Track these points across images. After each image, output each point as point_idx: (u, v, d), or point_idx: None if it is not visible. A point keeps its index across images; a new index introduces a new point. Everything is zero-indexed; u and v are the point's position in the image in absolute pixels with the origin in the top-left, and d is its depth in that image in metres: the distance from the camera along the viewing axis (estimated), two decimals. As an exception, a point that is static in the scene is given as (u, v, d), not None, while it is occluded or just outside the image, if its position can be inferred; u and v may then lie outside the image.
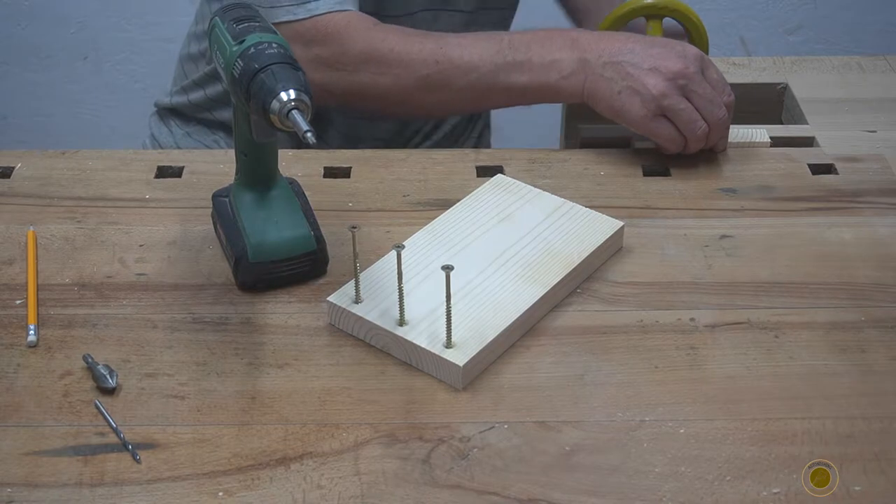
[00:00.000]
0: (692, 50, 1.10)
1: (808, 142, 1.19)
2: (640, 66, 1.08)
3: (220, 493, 0.78)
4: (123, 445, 0.82)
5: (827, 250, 1.02)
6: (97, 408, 0.85)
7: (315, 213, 1.00)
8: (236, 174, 0.99)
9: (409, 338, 0.88)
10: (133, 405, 0.86)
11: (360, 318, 0.91)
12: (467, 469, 0.80)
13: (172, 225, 1.05)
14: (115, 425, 0.83)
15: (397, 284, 0.88)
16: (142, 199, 1.09)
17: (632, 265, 1.00)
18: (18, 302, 0.95)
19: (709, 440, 0.82)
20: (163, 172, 1.13)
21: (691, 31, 1.27)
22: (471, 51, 1.14)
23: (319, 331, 0.93)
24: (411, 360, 0.89)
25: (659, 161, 1.14)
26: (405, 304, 0.89)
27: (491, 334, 0.89)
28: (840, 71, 1.32)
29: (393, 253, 0.94)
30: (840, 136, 1.19)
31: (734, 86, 1.13)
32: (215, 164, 1.13)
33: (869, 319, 0.93)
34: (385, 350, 0.90)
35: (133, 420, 0.84)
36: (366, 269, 0.95)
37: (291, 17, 1.15)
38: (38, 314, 0.94)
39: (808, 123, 1.21)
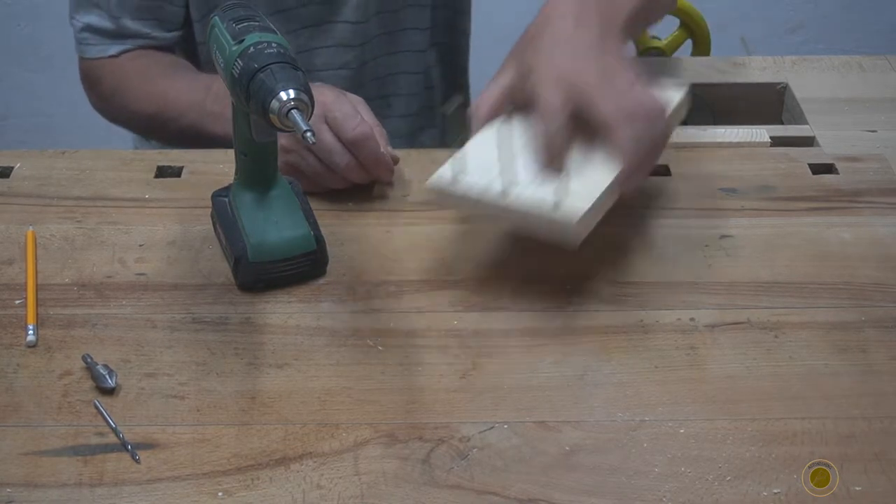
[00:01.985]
0: (320, 98, 0.96)
1: (808, 142, 1.19)
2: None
3: (220, 494, 0.78)
4: (123, 445, 0.82)
5: (827, 250, 1.02)
6: (97, 408, 0.85)
7: (315, 213, 1.00)
8: (236, 174, 0.99)
9: (517, 205, 0.90)
10: (133, 405, 0.86)
11: (465, 194, 0.92)
12: (467, 469, 0.80)
13: (172, 225, 1.05)
14: (114, 425, 0.83)
15: (498, 155, 0.91)
16: (142, 199, 1.09)
17: (632, 265, 1.00)
18: (18, 302, 0.95)
19: (709, 440, 0.82)
20: (163, 172, 1.13)
21: (694, 31, 1.27)
22: (179, 96, 1.23)
23: (319, 331, 0.93)
24: (521, 227, 0.92)
25: (659, 161, 1.14)
26: (505, 175, 0.91)
27: (596, 192, 0.91)
28: (840, 71, 1.32)
29: (483, 133, 0.97)
30: (840, 136, 1.19)
31: (735, 85, 1.12)
32: (215, 164, 1.13)
33: (869, 319, 0.93)
34: (492, 222, 0.96)
35: (133, 420, 0.84)
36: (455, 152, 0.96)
37: (76, 50, 1.32)
38: (37, 314, 0.94)
39: (808, 123, 1.21)
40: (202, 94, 1.20)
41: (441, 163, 1.14)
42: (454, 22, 1.40)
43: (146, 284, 0.97)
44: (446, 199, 0.94)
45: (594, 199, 0.90)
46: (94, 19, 1.29)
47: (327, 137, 1.02)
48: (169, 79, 1.27)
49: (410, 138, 1.40)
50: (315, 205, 1.01)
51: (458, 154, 0.94)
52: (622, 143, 0.91)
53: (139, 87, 1.28)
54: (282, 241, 0.96)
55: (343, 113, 1.02)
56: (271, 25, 0.91)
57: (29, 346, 0.91)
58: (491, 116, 0.98)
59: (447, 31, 1.39)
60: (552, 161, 0.92)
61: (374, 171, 1.06)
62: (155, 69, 1.29)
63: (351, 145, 1.03)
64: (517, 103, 0.98)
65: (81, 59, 1.33)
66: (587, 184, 0.92)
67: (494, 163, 0.92)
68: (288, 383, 0.88)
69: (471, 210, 0.94)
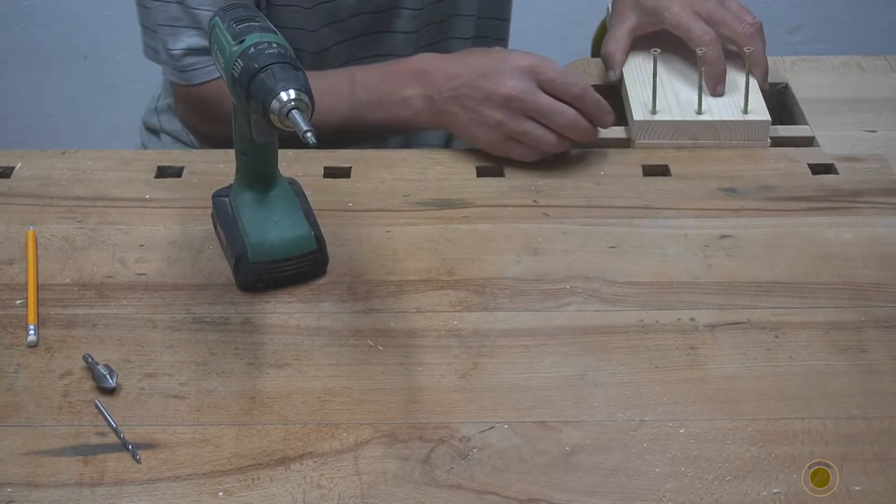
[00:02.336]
0: (524, 62, 1.09)
1: (808, 142, 1.19)
2: (474, 97, 1.10)
3: (220, 493, 0.78)
4: (123, 445, 0.82)
5: (827, 250, 1.02)
6: (97, 408, 0.85)
7: (315, 213, 1.00)
8: (236, 174, 0.99)
9: (716, 117, 1.14)
10: (133, 405, 0.86)
11: (668, 119, 1.14)
12: (467, 469, 0.80)
13: (172, 225, 1.05)
14: (115, 425, 0.83)
15: (698, 80, 1.14)
16: (142, 199, 1.09)
17: (632, 265, 1.00)
18: (18, 302, 0.95)
19: (709, 440, 0.82)
20: (163, 172, 1.13)
21: None
22: (323, 96, 1.16)
23: (319, 331, 0.93)
24: (719, 136, 1.14)
25: (659, 161, 1.14)
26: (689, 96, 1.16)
27: (756, 93, 1.15)
28: (840, 71, 1.32)
29: (631, 73, 1.22)
30: (840, 136, 1.19)
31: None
32: (215, 164, 1.13)
33: (869, 319, 0.93)
34: (692, 139, 1.14)
35: (133, 420, 0.84)
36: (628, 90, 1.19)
37: (175, 80, 1.22)
38: (38, 314, 0.94)
39: (807, 123, 1.21)
40: (347, 88, 1.18)
41: (441, 162, 1.14)
42: (495, 31, 1.40)
43: (146, 284, 0.98)
44: (649, 130, 1.15)
45: (761, 97, 1.16)
46: (195, 41, 1.20)
47: (545, 100, 1.08)
48: None
49: (447, 140, 1.40)
50: (315, 205, 1.01)
51: (630, 95, 1.18)
52: (760, 49, 1.18)
53: None
54: (282, 241, 0.96)
55: (556, 72, 1.09)
56: (272, 26, 0.91)
57: (29, 346, 0.91)
58: (625, 56, 1.24)
59: (487, 42, 1.39)
60: (722, 78, 1.17)
61: (600, 119, 1.11)
62: None
63: (576, 99, 1.09)
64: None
65: (187, 87, 1.22)
66: (741, 89, 1.16)
67: (674, 94, 1.17)
68: (288, 383, 0.88)
69: (672, 135, 1.15)
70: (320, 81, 1.17)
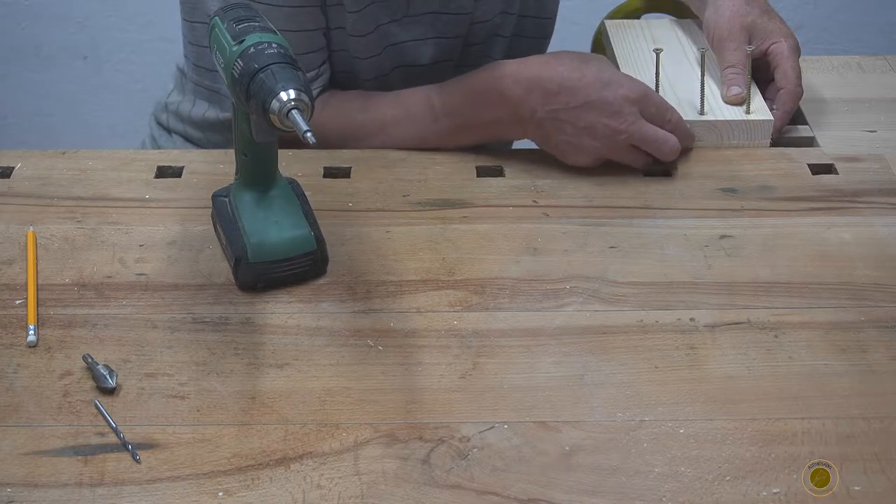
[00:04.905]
0: (630, 94, 1.08)
1: (808, 142, 1.19)
2: (576, 125, 1.09)
3: (220, 493, 0.78)
4: (123, 445, 0.82)
5: (827, 250, 1.02)
6: (97, 408, 0.85)
7: (315, 213, 1.00)
8: (236, 174, 0.99)
9: (718, 118, 1.15)
10: (133, 405, 0.86)
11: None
12: (467, 469, 0.80)
13: (172, 225, 1.05)
14: (114, 425, 0.83)
15: (700, 80, 1.14)
16: (142, 199, 1.09)
17: (632, 265, 1.00)
18: (18, 302, 0.95)
19: (709, 440, 0.82)
20: (163, 172, 1.13)
21: None
22: (406, 126, 1.16)
23: (319, 331, 0.93)
24: (722, 136, 1.15)
25: (659, 161, 1.14)
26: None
27: (760, 100, 1.16)
28: (840, 71, 1.32)
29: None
30: (840, 136, 1.19)
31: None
32: (215, 164, 1.13)
33: (869, 319, 0.93)
34: (694, 141, 1.14)
35: (133, 420, 0.84)
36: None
37: None
38: (37, 314, 0.94)
39: (807, 123, 1.21)
40: (428, 114, 1.15)
41: (441, 162, 1.14)
42: (536, 30, 1.38)
43: (146, 284, 0.98)
44: None
45: (764, 104, 1.17)
46: None
47: (651, 130, 1.10)
48: (369, 112, 1.19)
49: None
50: (315, 205, 1.01)
51: None
52: (795, 70, 1.18)
53: (340, 132, 1.18)
54: (282, 241, 0.96)
55: (657, 105, 1.11)
56: (271, 26, 0.91)
57: (29, 346, 0.91)
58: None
59: (525, 41, 1.37)
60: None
61: (686, 143, 1.14)
62: (349, 106, 1.21)
63: (671, 125, 1.12)
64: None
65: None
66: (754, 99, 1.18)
67: (667, 93, 1.17)
68: (288, 383, 0.88)
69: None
70: (396, 109, 1.17)
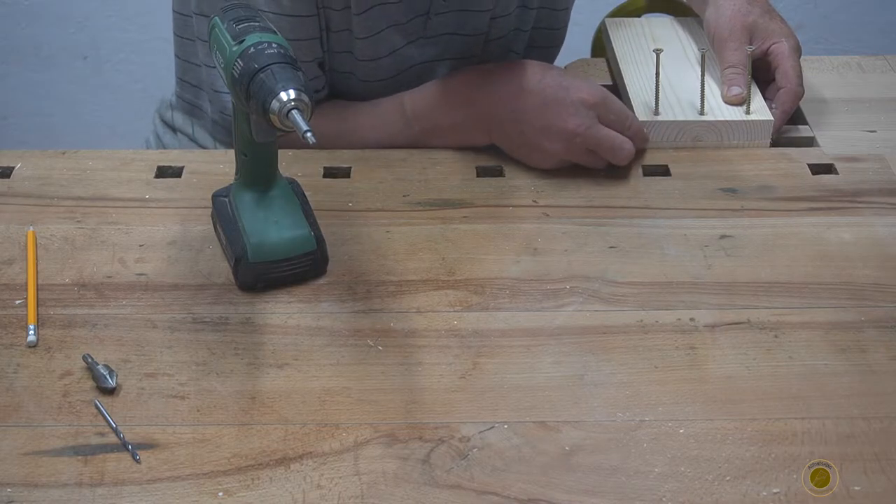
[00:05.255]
0: (588, 98, 1.10)
1: (808, 142, 1.19)
2: (535, 125, 1.10)
3: (220, 493, 0.78)
4: (123, 445, 0.82)
5: (827, 250, 1.02)
6: (97, 408, 0.85)
7: (315, 213, 1.00)
8: (236, 174, 0.99)
9: (718, 118, 1.14)
10: (133, 405, 0.86)
11: (671, 120, 1.14)
12: (467, 469, 0.80)
13: (172, 225, 1.05)
14: (114, 425, 0.83)
15: (700, 81, 1.14)
16: (142, 199, 1.09)
17: (632, 265, 1.00)
18: (18, 302, 0.95)
19: (709, 440, 0.82)
20: (163, 172, 1.13)
21: None
22: (381, 132, 1.17)
23: (319, 331, 0.93)
24: (722, 137, 1.14)
25: (659, 161, 1.14)
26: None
27: (760, 99, 1.16)
28: (840, 71, 1.32)
29: (632, 80, 1.21)
30: (840, 136, 1.19)
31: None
32: (215, 164, 1.13)
33: (869, 319, 0.93)
34: (695, 139, 1.15)
35: (133, 420, 0.84)
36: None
37: None
38: (37, 314, 0.94)
39: (808, 123, 1.21)
40: (400, 119, 1.17)
41: (441, 162, 1.14)
42: (548, 41, 1.39)
43: (146, 284, 0.98)
44: (652, 130, 1.14)
45: (764, 104, 1.17)
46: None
47: (607, 134, 1.10)
48: (348, 122, 1.21)
49: None
50: (315, 205, 1.01)
51: (632, 95, 1.18)
52: (796, 69, 1.18)
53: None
54: (282, 241, 0.96)
55: (616, 111, 1.12)
56: (271, 26, 0.91)
57: (29, 346, 0.91)
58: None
59: (539, 52, 1.38)
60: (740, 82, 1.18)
61: (641, 145, 1.14)
62: (328, 113, 1.21)
63: (634, 135, 1.12)
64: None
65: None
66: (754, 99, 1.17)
67: (667, 93, 1.17)
68: (288, 383, 0.88)
69: (675, 137, 1.15)
70: (372, 116, 1.18)
